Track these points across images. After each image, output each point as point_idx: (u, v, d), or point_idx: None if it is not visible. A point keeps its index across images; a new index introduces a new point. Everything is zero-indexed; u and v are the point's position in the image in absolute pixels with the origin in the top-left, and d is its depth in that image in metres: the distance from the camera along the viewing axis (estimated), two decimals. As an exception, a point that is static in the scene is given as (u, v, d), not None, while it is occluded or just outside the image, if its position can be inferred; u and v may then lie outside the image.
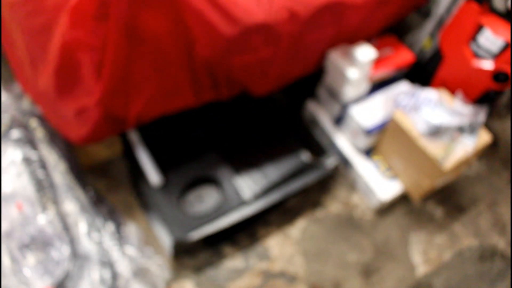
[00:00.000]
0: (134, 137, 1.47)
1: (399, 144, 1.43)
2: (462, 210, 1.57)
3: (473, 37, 1.40)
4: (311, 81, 1.62)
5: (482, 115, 1.37)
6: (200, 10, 1.05)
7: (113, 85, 1.13)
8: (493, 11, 1.40)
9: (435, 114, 1.37)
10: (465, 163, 1.43)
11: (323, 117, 1.63)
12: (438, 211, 1.55)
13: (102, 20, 1.00)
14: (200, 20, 1.07)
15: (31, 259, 1.23)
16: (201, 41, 1.12)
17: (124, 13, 0.99)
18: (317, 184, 1.56)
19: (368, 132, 1.44)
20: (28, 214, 1.29)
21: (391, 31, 1.64)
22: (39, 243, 1.25)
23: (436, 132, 1.35)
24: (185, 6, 1.04)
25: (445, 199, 1.59)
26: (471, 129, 1.36)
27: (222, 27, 1.09)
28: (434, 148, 1.33)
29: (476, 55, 1.41)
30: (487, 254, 1.48)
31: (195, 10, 1.05)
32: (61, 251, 1.23)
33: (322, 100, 1.60)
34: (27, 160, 1.37)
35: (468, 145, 1.34)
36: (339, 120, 1.55)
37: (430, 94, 1.43)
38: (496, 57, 1.37)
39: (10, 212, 1.28)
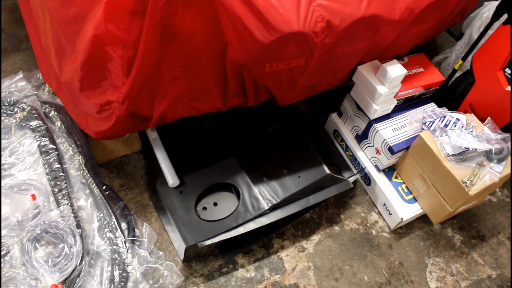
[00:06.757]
0: (154, 136, 1.45)
1: (423, 165, 1.40)
2: (482, 238, 1.53)
3: (508, 62, 1.37)
4: (336, 95, 1.59)
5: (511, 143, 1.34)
6: (238, 13, 1.02)
7: (141, 83, 1.11)
8: (530, 36, 1.37)
9: (463, 138, 1.34)
10: (490, 190, 1.39)
11: (346, 132, 1.60)
12: (457, 237, 1.52)
13: (138, 16, 0.98)
14: (236, 23, 1.04)
15: (41, 252, 1.21)
16: (235, 45, 1.09)
17: (162, 10, 0.96)
18: (336, 199, 1.53)
19: (393, 150, 1.41)
20: (41, 205, 1.26)
21: (421, 50, 1.61)
22: (51, 236, 1.22)
23: (463, 156, 1.32)
24: (223, 8, 1.01)
25: (465, 225, 1.55)
26: (499, 156, 1.33)
27: (258, 33, 1.07)
28: (460, 172, 1.30)
29: (510, 81, 1.38)
30: (505, 287, 1.43)
31: (233, 13, 1.02)
32: (73, 247, 1.20)
33: (347, 115, 1.57)
34: (43, 151, 1.36)
35: (495, 172, 1.31)
36: (362, 136, 1.52)
37: (458, 117, 1.40)
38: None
39: (24, 202, 1.25)
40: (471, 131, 1.37)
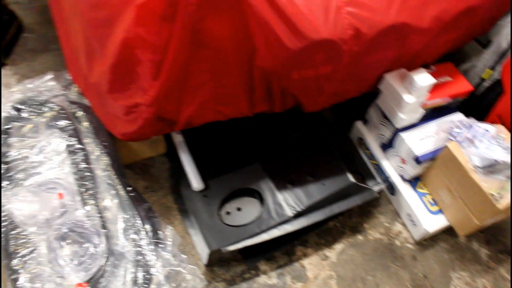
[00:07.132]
0: (179, 140, 1.46)
1: (450, 177, 1.37)
2: (509, 253, 1.49)
3: (540, 73, 1.34)
4: (361, 102, 1.58)
5: (542, 156, 1.31)
6: (267, 20, 1.03)
7: (169, 87, 1.12)
8: None
9: (492, 150, 1.31)
10: (519, 203, 1.36)
11: (371, 140, 1.58)
12: (483, 251, 1.48)
13: (168, 20, 0.99)
14: (265, 30, 1.05)
15: (67, 251, 1.22)
16: (263, 51, 1.10)
17: (192, 15, 0.97)
18: (359, 208, 1.52)
19: (419, 160, 1.39)
20: (68, 205, 1.28)
21: (447, 58, 1.58)
22: (77, 236, 1.24)
23: (491, 168, 1.29)
24: (252, 15, 1.02)
25: (492, 239, 1.52)
26: (529, 169, 1.30)
27: (287, 40, 1.07)
28: (488, 184, 1.27)
29: (541, 93, 1.35)
30: (533, 303, 1.40)
31: (262, 20, 1.03)
32: (98, 247, 1.22)
33: (373, 123, 1.56)
34: (70, 150, 1.38)
35: (525, 186, 1.28)
36: (388, 145, 1.51)
37: (487, 128, 1.38)
38: None
39: (51, 201, 1.27)
40: (500, 143, 1.34)
